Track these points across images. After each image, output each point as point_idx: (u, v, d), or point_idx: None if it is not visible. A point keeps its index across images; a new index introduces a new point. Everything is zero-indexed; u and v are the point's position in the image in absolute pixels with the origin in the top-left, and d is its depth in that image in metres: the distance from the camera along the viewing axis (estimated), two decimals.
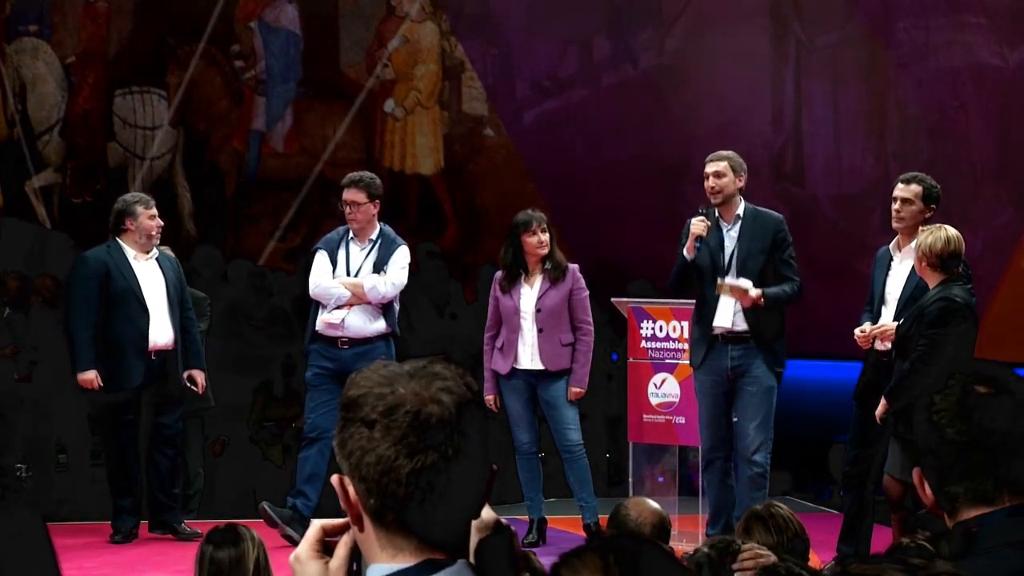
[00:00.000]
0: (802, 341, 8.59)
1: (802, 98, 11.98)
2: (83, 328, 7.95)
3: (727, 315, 7.24)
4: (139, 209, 8.09)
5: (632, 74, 12.65)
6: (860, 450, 7.11)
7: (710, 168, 7.30)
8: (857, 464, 7.14)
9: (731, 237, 7.30)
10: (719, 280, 7.21)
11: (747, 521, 4.56)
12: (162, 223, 8.22)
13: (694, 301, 7.46)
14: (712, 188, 7.28)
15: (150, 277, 8.10)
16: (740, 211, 7.32)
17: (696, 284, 7.35)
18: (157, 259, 8.17)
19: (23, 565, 2.30)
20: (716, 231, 7.28)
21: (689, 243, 7.23)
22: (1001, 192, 11.11)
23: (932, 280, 6.56)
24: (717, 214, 7.31)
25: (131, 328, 7.96)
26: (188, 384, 8.20)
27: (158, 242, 8.19)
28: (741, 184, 7.32)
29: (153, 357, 8.01)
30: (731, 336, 7.25)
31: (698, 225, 7.24)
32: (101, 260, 8.04)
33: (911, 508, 6.51)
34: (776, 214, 7.44)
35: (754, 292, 7.13)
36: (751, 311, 7.19)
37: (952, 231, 6.56)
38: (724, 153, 7.37)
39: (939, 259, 6.50)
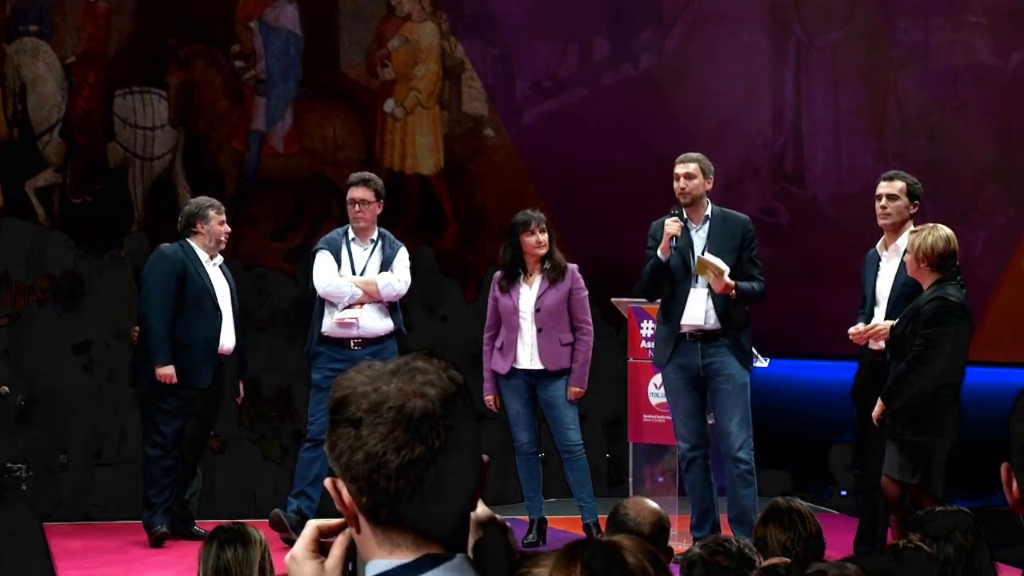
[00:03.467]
0: (802, 341, 8.59)
1: (802, 98, 11.98)
2: (162, 322, 7.87)
3: (699, 312, 7.24)
4: (211, 213, 8.05)
5: (632, 74, 12.65)
6: (865, 449, 7.10)
7: (681, 169, 7.33)
8: (864, 464, 7.13)
9: (700, 237, 7.33)
10: (699, 255, 7.20)
11: (766, 515, 4.58)
12: (230, 230, 8.19)
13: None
14: (683, 189, 7.30)
15: (219, 281, 8.09)
16: (708, 212, 7.37)
17: (666, 284, 7.35)
18: (220, 266, 8.15)
19: (19, 564, 2.30)
20: (684, 232, 7.30)
21: (664, 243, 7.23)
22: (1001, 192, 11.10)
23: (927, 280, 6.53)
24: (685, 215, 7.32)
25: (205, 328, 7.93)
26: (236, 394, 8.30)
27: (223, 247, 8.16)
28: (709, 186, 7.37)
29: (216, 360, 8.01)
30: (701, 334, 7.25)
31: (672, 225, 7.24)
32: (179, 257, 7.99)
33: (909, 508, 6.50)
34: (744, 216, 7.49)
35: (729, 280, 7.13)
36: (722, 308, 7.20)
37: (948, 230, 6.55)
38: (693, 155, 7.39)
39: (940, 259, 6.49)
